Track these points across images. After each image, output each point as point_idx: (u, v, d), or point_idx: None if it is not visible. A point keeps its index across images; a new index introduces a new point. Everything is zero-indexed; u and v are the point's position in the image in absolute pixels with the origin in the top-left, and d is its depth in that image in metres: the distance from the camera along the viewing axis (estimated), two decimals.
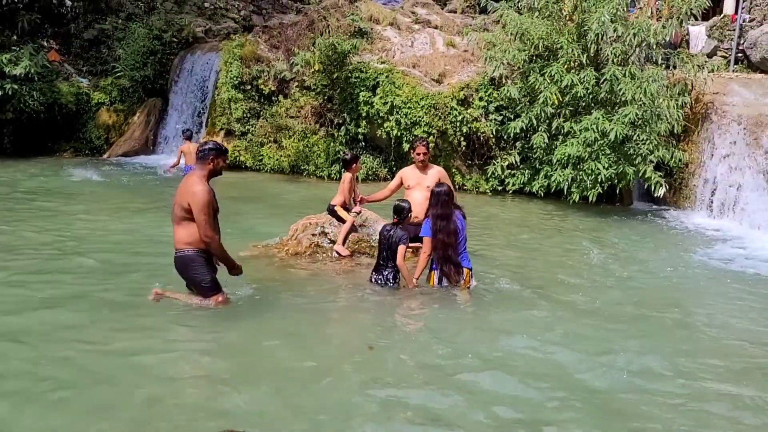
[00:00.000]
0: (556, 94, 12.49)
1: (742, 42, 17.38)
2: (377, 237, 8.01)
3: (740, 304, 7.62)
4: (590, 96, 12.56)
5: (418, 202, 7.56)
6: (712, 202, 12.28)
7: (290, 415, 4.34)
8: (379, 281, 7.04)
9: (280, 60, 15.43)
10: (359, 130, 14.52)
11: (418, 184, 7.80)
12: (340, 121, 14.76)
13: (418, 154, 7.85)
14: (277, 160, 14.78)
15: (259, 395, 4.61)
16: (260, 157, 14.96)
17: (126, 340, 5.38)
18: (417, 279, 6.98)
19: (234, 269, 6.08)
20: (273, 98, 15.29)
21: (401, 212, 7.00)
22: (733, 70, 16.15)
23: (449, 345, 5.65)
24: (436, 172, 7.93)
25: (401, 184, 8.01)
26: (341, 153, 14.33)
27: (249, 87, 15.27)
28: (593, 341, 5.99)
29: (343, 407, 4.49)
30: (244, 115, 15.20)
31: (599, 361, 5.52)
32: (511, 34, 13.64)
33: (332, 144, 14.62)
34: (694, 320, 6.93)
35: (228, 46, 15.76)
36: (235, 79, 15.15)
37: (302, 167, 14.75)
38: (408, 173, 7.99)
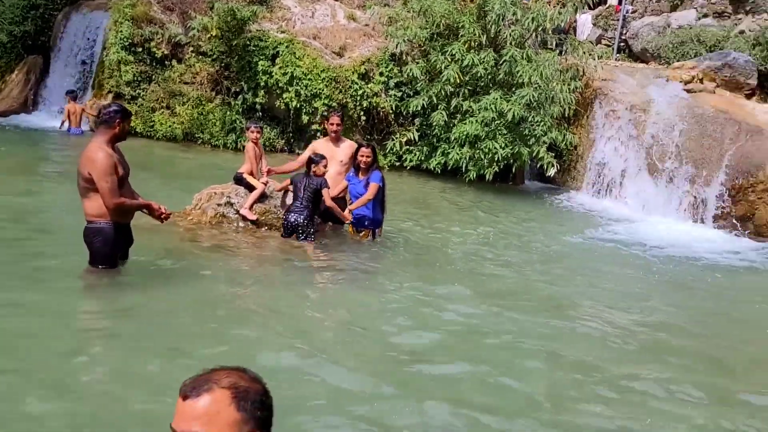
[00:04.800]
0: (457, 73, 12.69)
1: (624, 32, 18.29)
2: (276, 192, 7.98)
3: (609, 280, 8.22)
4: (489, 76, 12.86)
5: (331, 176, 7.57)
6: (598, 184, 12.93)
7: None
8: (292, 220, 7.43)
9: (175, 23, 14.82)
10: (257, 99, 14.20)
11: (331, 158, 7.74)
12: (238, 90, 14.39)
13: (332, 125, 7.81)
14: (169, 126, 14.24)
15: (160, 365, 4.48)
16: (152, 123, 14.35)
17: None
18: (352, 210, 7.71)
19: (154, 210, 5.82)
20: (166, 62, 14.66)
21: (309, 163, 7.52)
22: (616, 59, 16.99)
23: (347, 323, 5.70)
24: (348, 145, 7.91)
25: None
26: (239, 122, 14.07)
27: (140, 49, 14.54)
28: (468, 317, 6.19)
29: None
30: (135, 78, 14.50)
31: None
32: (413, 10, 13.72)
33: (229, 113, 14.24)
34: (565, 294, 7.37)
35: (118, 5, 14.90)
36: (125, 40, 14.39)
37: (197, 135, 14.28)
38: (320, 146, 7.93)
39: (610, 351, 5.68)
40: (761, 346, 6.49)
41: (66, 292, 5.55)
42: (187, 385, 1.78)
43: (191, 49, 14.62)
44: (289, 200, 7.83)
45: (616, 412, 4.51)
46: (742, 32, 15.58)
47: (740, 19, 16.50)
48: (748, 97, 13.43)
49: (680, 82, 12.99)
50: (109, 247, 5.69)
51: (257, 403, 1.80)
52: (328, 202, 7.49)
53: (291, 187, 7.66)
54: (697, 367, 5.58)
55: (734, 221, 11.26)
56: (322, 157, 7.52)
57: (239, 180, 7.88)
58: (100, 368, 4.43)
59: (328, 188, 7.46)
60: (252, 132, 7.92)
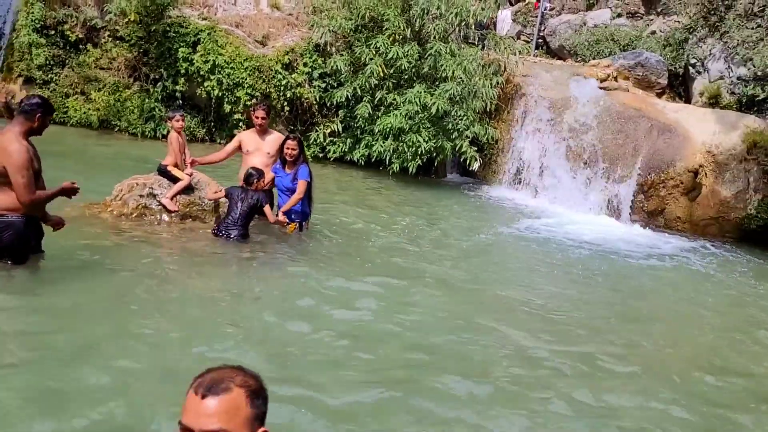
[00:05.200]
0: (381, 66, 12.73)
1: (543, 29, 18.72)
2: (208, 201, 7.82)
3: (526, 274, 8.48)
4: (413, 70, 12.96)
5: (258, 167, 7.48)
6: (517, 178, 13.23)
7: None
8: (222, 235, 7.23)
9: (90, 6, 14.28)
10: (177, 87, 13.86)
11: (257, 150, 7.66)
12: (157, 77, 14.00)
13: (257, 118, 7.70)
14: (84, 113, 13.74)
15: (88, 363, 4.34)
16: (65, 110, 13.80)
17: None
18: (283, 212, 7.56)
19: (66, 188, 5.60)
20: (81, 47, 14.13)
21: (249, 178, 7.35)
22: (535, 55, 17.40)
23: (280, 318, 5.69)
24: (275, 137, 7.83)
25: (239, 148, 7.82)
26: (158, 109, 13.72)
27: (53, 32, 13.96)
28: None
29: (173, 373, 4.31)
30: (47, 62, 13.91)
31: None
32: (337, 1, 13.67)
33: (147, 100, 13.85)
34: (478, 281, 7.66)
35: None
36: (36, 22, 13.77)
37: (113, 123, 13.83)
38: (247, 138, 7.82)
39: (527, 337, 5.94)
40: (659, 327, 6.96)
41: None
42: (203, 385, 1.87)
43: (108, 33, 14.14)
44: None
45: (521, 381, 4.97)
46: (653, 33, 16.22)
47: (652, 20, 17.15)
48: (659, 95, 14.02)
49: (596, 79, 13.42)
50: (20, 242, 5.48)
51: (264, 400, 1.96)
52: (272, 220, 7.48)
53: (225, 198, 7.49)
54: (597, 346, 5.98)
55: (647, 216, 11.76)
56: (262, 173, 7.44)
57: (164, 172, 7.66)
58: (9, 374, 4.13)
59: (269, 204, 7.47)
60: (177, 121, 7.67)
